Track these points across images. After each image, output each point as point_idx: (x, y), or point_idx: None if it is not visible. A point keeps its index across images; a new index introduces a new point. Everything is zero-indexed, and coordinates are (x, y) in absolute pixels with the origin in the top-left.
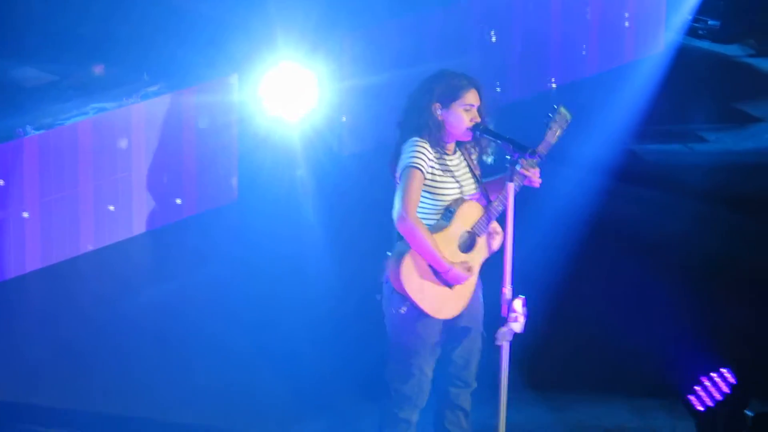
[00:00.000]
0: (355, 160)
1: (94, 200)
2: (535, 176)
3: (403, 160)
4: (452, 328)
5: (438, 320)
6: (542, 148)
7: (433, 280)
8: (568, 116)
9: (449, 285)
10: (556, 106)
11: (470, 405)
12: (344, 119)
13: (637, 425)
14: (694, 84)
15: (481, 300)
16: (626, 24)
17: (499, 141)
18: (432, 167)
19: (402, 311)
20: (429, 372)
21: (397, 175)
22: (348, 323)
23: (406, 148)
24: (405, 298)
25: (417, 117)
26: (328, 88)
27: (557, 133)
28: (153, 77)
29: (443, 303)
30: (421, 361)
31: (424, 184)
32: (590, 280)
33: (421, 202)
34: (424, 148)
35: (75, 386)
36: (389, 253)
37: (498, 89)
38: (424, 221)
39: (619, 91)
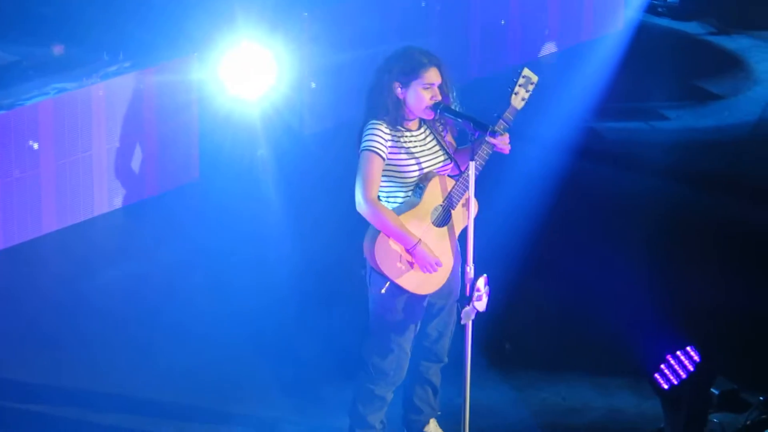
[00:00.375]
0: (316, 139)
1: (56, 180)
2: (503, 143)
3: (362, 144)
4: (432, 305)
5: (421, 296)
6: (508, 114)
7: (409, 258)
8: (534, 78)
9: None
10: (520, 69)
11: (440, 382)
12: (313, 85)
13: (602, 404)
14: (654, 62)
15: (458, 277)
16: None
17: (459, 119)
18: (391, 149)
19: (382, 291)
20: (408, 349)
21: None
22: (311, 301)
23: (364, 132)
24: (384, 277)
25: (378, 95)
26: (288, 68)
27: (523, 97)
28: (113, 57)
29: (423, 278)
30: (400, 338)
31: (387, 166)
32: (553, 258)
33: (388, 183)
34: (380, 130)
35: (35, 365)
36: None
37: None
38: (394, 201)
39: (580, 69)
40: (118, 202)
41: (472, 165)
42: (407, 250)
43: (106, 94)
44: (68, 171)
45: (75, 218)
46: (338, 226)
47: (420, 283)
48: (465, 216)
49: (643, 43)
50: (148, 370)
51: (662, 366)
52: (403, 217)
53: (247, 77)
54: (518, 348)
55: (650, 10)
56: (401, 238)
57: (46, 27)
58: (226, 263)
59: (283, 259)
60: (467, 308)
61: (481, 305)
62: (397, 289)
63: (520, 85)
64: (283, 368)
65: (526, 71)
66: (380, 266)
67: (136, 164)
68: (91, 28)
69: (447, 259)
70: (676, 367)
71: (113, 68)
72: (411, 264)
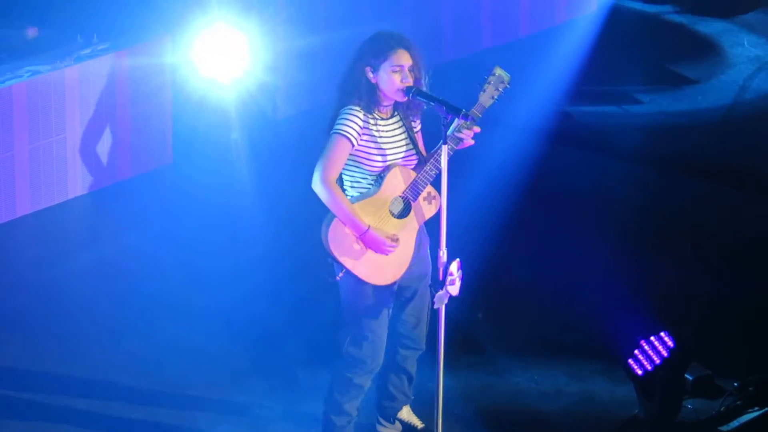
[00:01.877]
0: (290, 123)
1: (30, 163)
2: (468, 136)
3: (335, 125)
4: (402, 289)
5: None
6: (476, 111)
7: (363, 247)
8: (506, 77)
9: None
10: (491, 67)
11: (415, 370)
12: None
13: (576, 389)
14: (627, 45)
15: (429, 259)
16: None
17: (432, 103)
18: (363, 137)
19: (338, 278)
20: (383, 335)
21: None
22: (284, 286)
23: (340, 115)
24: (340, 264)
25: (351, 81)
26: (262, 50)
27: (492, 95)
28: (87, 40)
29: (379, 269)
30: (373, 324)
31: (355, 152)
32: (525, 243)
33: (351, 170)
34: (356, 117)
35: (5, 349)
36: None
37: None
38: (354, 189)
39: (553, 51)
40: (91, 186)
41: (444, 149)
42: (358, 237)
43: (80, 77)
44: (42, 154)
45: (49, 201)
46: (312, 211)
47: (375, 273)
48: (427, 209)
49: (616, 26)
50: (120, 355)
51: (636, 352)
52: (359, 205)
53: (221, 60)
54: (490, 318)
55: None
56: (352, 223)
57: (19, 9)
58: (199, 248)
59: (256, 244)
60: (440, 292)
61: (454, 289)
62: (353, 278)
63: (489, 83)
64: (256, 353)
65: (498, 70)
66: (334, 252)
67: (109, 147)
68: (65, 10)
69: (405, 251)
70: (650, 352)
71: (87, 51)
72: (362, 252)
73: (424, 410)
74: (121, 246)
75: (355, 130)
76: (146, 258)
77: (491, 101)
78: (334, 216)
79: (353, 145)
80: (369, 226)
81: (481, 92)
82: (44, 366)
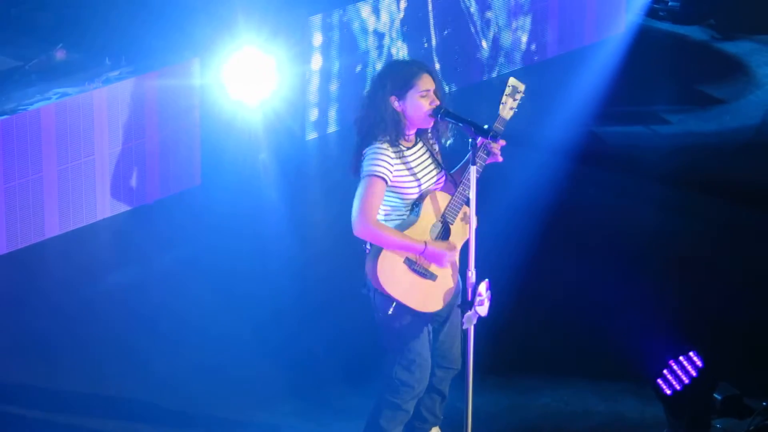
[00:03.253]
0: (318, 144)
1: (59, 185)
2: (496, 151)
3: (365, 167)
4: (440, 312)
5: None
6: (498, 125)
7: (414, 277)
8: (520, 86)
9: (431, 277)
10: (506, 80)
11: (448, 390)
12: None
13: (604, 409)
14: (655, 66)
15: (459, 281)
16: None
17: (460, 124)
18: (396, 170)
19: (390, 312)
20: (428, 357)
21: (361, 178)
22: (313, 306)
23: (368, 154)
24: (390, 298)
25: (375, 115)
26: (290, 72)
27: (512, 107)
28: (115, 62)
29: (430, 296)
30: (419, 347)
31: (389, 187)
32: (554, 264)
33: (387, 202)
34: (386, 154)
35: (36, 370)
36: (368, 247)
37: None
38: (393, 221)
39: (581, 72)
40: (120, 207)
41: (473, 169)
42: (421, 255)
43: (108, 99)
44: (70, 176)
45: (77, 223)
46: (341, 230)
47: (426, 301)
48: (465, 230)
49: (644, 47)
50: (150, 377)
51: (665, 371)
52: None
53: (249, 82)
54: (520, 353)
55: (651, 14)
56: (408, 248)
57: (48, 31)
58: (227, 269)
59: (285, 264)
60: (469, 313)
61: (483, 310)
62: (404, 308)
63: (507, 95)
64: (286, 373)
65: (512, 80)
66: (385, 287)
67: (138, 169)
68: (94, 33)
69: (450, 274)
70: (679, 372)
71: (115, 73)
72: (415, 282)
73: (453, 430)
74: (149, 268)
75: (387, 168)
76: (175, 279)
77: (511, 113)
78: (377, 252)
79: (387, 183)
80: (425, 242)
81: (501, 105)
82: (73, 386)
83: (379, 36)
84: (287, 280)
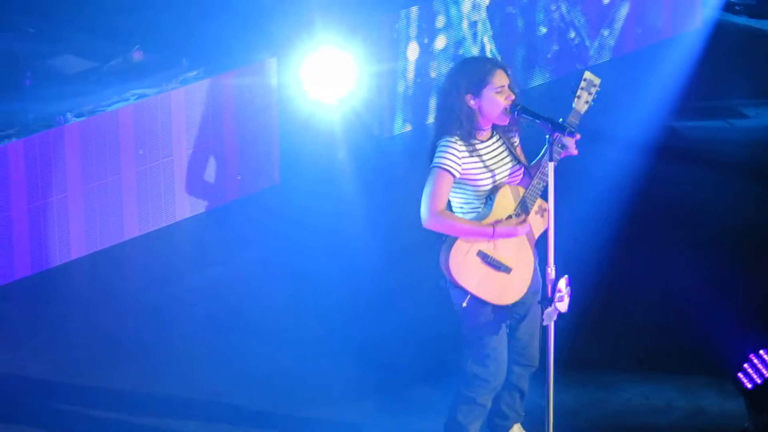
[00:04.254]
0: (396, 142)
1: (137, 186)
2: (571, 145)
3: (435, 160)
4: (516, 306)
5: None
6: (572, 118)
7: (487, 268)
8: (596, 80)
9: (506, 270)
10: (581, 74)
11: (527, 386)
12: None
13: (685, 403)
14: (732, 60)
15: (539, 276)
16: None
17: (537, 120)
18: (465, 164)
19: (464, 305)
20: (504, 352)
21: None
22: (393, 304)
23: (439, 147)
24: (464, 291)
25: (450, 113)
26: (367, 70)
27: (587, 101)
28: (192, 62)
29: (504, 289)
30: (495, 342)
31: (461, 180)
32: (633, 258)
33: (461, 194)
34: (454, 148)
35: (125, 370)
36: (444, 241)
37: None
38: (467, 213)
39: (659, 68)
40: (199, 207)
41: (551, 166)
42: (491, 239)
43: (186, 99)
44: (149, 177)
45: (157, 224)
46: (419, 229)
47: (501, 293)
48: (541, 223)
49: (721, 41)
50: (232, 374)
51: (745, 365)
52: None
53: (327, 81)
54: (600, 348)
55: (727, 8)
56: (478, 233)
57: (125, 32)
58: (306, 267)
59: (364, 263)
60: (549, 309)
61: (563, 306)
62: (479, 301)
63: (582, 89)
64: (367, 370)
65: (588, 74)
66: (458, 279)
67: (216, 169)
68: (170, 34)
69: (527, 266)
70: (760, 366)
71: (193, 73)
72: (490, 275)
73: (535, 427)
74: (230, 266)
75: (454, 161)
76: (256, 277)
77: (586, 106)
78: (450, 245)
79: (455, 177)
80: (493, 226)
81: (576, 99)
82: (158, 384)
83: (459, 32)
84: (366, 279)
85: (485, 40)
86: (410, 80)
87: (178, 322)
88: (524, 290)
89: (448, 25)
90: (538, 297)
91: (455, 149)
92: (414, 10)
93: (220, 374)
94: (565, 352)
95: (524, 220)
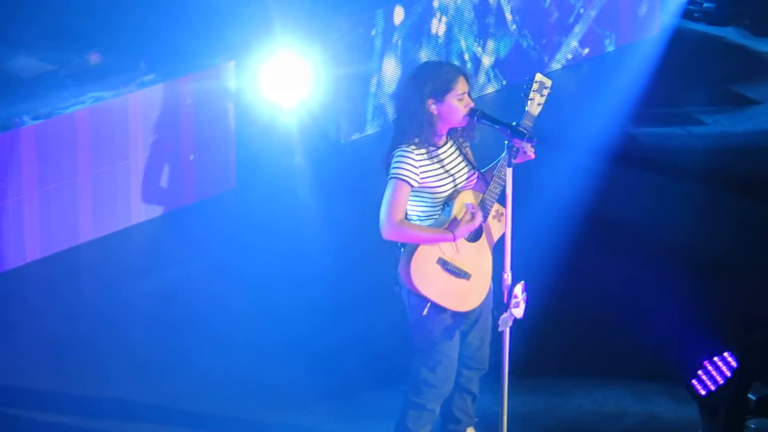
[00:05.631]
0: (353, 146)
1: (93, 189)
2: (530, 150)
3: (392, 169)
4: (469, 312)
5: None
6: (527, 121)
7: (447, 275)
8: (547, 82)
9: (465, 276)
10: (531, 76)
11: (478, 389)
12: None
13: (640, 410)
14: (690, 67)
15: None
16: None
17: (496, 126)
18: (423, 172)
19: (424, 313)
20: (455, 358)
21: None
22: (346, 309)
23: (395, 157)
24: (425, 299)
25: (411, 117)
26: (325, 75)
27: (539, 102)
28: (150, 65)
29: (464, 295)
30: (447, 348)
31: (419, 188)
32: (589, 265)
33: (419, 202)
34: (410, 157)
35: (78, 373)
36: (402, 249)
37: None
38: (426, 220)
39: (617, 74)
40: (155, 211)
41: (509, 171)
42: (454, 241)
43: (143, 103)
44: (105, 180)
45: (113, 227)
46: (374, 234)
47: (461, 300)
48: (498, 228)
49: (679, 48)
50: (185, 378)
51: (699, 372)
52: None
53: (285, 85)
54: (555, 355)
55: (686, 15)
56: (439, 239)
57: (82, 35)
58: (262, 271)
59: (319, 267)
60: (505, 315)
61: (518, 312)
62: (439, 308)
63: (534, 91)
64: (320, 376)
65: (539, 76)
66: (419, 288)
67: (173, 173)
68: (128, 37)
69: (483, 273)
70: (714, 372)
71: (150, 76)
72: (450, 283)
73: None
74: (185, 270)
75: (411, 170)
76: (211, 281)
77: (539, 108)
78: (410, 254)
79: (412, 186)
80: (450, 231)
81: (528, 101)
82: (114, 387)
83: (415, 38)
84: (321, 284)
85: (435, 46)
86: (369, 84)
87: (132, 326)
88: (484, 296)
89: (408, 30)
90: (489, 302)
91: (412, 158)
92: (374, 14)
93: (174, 379)
94: (520, 358)
95: (476, 214)
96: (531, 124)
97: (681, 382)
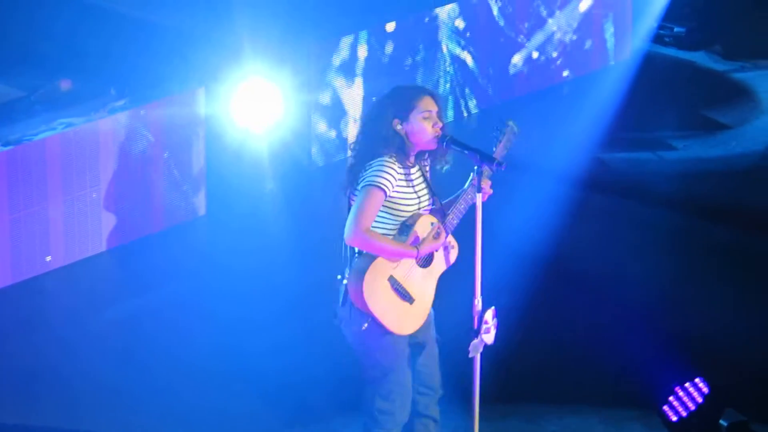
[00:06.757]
0: (324, 172)
1: (64, 215)
2: (487, 188)
3: (367, 177)
4: (415, 338)
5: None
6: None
7: (394, 296)
8: (516, 129)
9: (409, 300)
10: (504, 120)
11: (438, 413)
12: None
13: None
14: (661, 91)
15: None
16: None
17: (466, 151)
18: (397, 186)
19: (363, 327)
20: (409, 384)
21: (358, 188)
22: (317, 339)
23: (373, 165)
24: (366, 314)
25: (379, 137)
26: (296, 101)
27: (506, 146)
28: (120, 92)
29: (404, 318)
30: (399, 375)
31: (387, 201)
32: (560, 291)
33: (381, 217)
34: (392, 167)
35: (43, 403)
36: (339, 277)
37: None
38: (387, 235)
39: (587, 99)
40: (126, 237)
41: (479, 197)
42: (417, 258)
43: (114, 129)
44: (76, 206)
45: (83, 253)
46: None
47: (402, 324)
48: (447, 259)
49: (650, 73)
50: (148, 408)
51: (671, 398)
52: None
53: (255, 111)
54: (527, 381)
55: (657, 39)
56: (403, 254)
57: (53, 61)
58: (233, 299)
59: (291, 295)
60: (475, 341)
61: (489, 338)
62: (379, 328)
63: (505, 134)
64: (285, 405)
65: (511, 123)
66: (366, 301)
67: (143, 199)
68: (98, 63)
69: (427, 300)
70: (685, 399)
71: (121, 102)
72: (395, 304)
73: None
74: (154, 297)
75: (389, 180)
76: (179, 311)
77: (504, 152)
78: (364, 267)
79: (386, 195)
80: (415, 248)
81: (498, 144)
82: (78, 417)
83: (387, 64)
84: (292, 312)
85: (414, 71)
86: (339, 110)
87: (99, 353)
88: (421, 323)
89: (375, 56)
90: (432, 331)
91: (393, 168)
92: (343, 41)
93: (139, 410)
94: (491, 384)
95: (441, 234)
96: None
97: (652, 408)
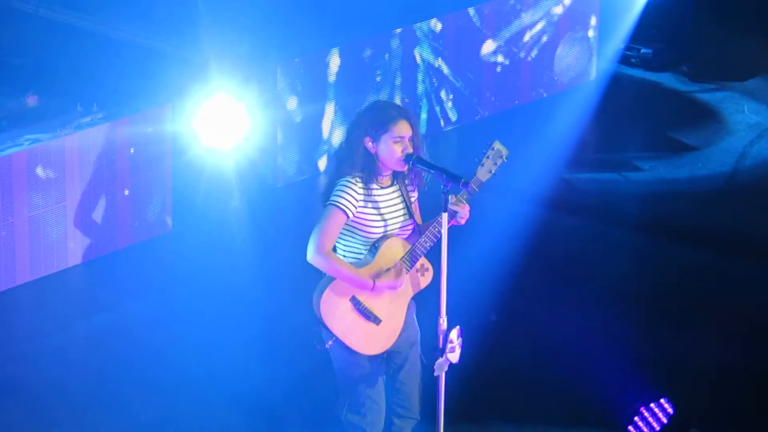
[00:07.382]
0: (290, 190)
1: (30, 231)
2: (463, 211)
3: (331, 197)
4: (392, 355)
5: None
6: (473, 185)
7: (356, 316)
8: (504, 152)
9: (375, 320)
10: (491, 143)
11: None
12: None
13: None
14: (627, 112)
15: (417, 327)
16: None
17: (431, 171)
18: (360, 208)
19: (328, 345)
20: (380, 401)
21: (323, 206)
22: (283, 354)
23: (338, 185)
24: (330, 332)
25: (349, 151)
26: (261, 119)
27: (490, 170)
28: (87, 108)
29: (369, 339)
30: (370, 391)
31: (351, 222)
32: (525, 310)
33: (346, 238)
34: (353, 189)
35: (9, 417)
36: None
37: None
38: (351, 257)
39: (553, 119)
40: (91, 254)
41: (444, 216)
42: (371, 292)
43: (80, 145)
44: (42, 222)
45: (48, 269)
46: (313, 278)
47: (366, 344)
48: (420, 281)
49: (616, 93)
50: (117, 423)
51: (636, 418)
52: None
53: (222, 128)
54: (492, 400)
55: (623, 60)
56: (357, 283)
57: (19, 77)
58: (198, 316)
59: (255, 312)
60: (440, 360)
61: (454, 357)
62: (343, 346)
63: (488, 157)
64: (255, 421)
65: (497, 144)
66: (325, 320)
67: (109, 215)
68: (65, 79)
69: (396, 321)
70: (650, 419)
71: (87, 119)
72: (357, 324)
73: None
74: (121, 313)
75: (350, 202)
76: (145, 327)
77: (489, 175)
78: (326, 284)
79: (348, 217)
80: (373, 281)
81: (480, 166)
82: None
83: (356, 82)
84: (257, 328)
85: (372, 91)
86: (305, 128)
87: (67, 368)
88: (389, 344)
89: (344, 74)
90: (417, 348)
91: (354, 190)
92: (311, 58)
93: (107, 425)
94: (457, 403)
95: (401, 273)
96: (477, 189)
97: (619, 428)
